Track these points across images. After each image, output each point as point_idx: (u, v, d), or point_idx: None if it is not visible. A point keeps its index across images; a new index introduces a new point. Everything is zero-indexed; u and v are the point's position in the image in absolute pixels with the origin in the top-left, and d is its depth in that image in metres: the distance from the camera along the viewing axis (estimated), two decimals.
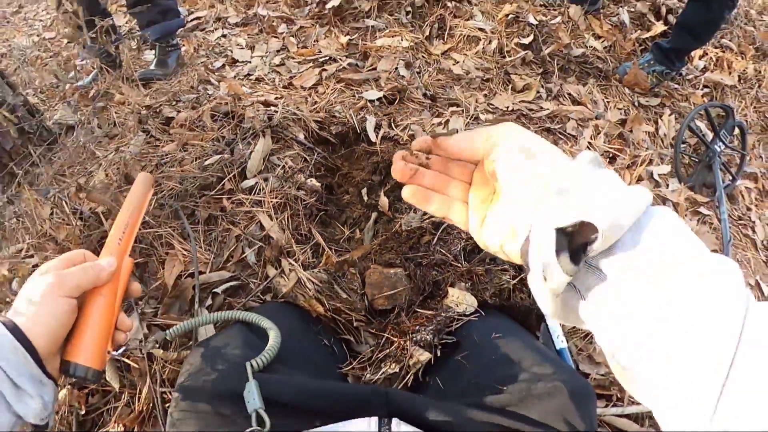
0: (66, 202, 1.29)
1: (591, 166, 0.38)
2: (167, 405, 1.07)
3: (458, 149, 0.47)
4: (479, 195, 0.48)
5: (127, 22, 2.12)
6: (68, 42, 2.04)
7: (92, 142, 1.47)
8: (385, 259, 1.08)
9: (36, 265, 1.26)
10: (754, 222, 1.76)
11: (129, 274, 0.62)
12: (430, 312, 0.89)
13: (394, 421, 0.60)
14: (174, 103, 1.52)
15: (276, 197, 1.24)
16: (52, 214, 1.29)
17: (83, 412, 1.10)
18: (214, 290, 1.15)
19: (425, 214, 1.17)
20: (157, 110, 1.49)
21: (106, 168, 1.33)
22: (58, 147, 1.53)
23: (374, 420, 0.59)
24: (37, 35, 2.19)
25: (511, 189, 0.42)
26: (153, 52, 1.84)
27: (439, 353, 0.83)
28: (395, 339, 0.89)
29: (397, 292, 0.98)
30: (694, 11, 1.85)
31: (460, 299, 0.89)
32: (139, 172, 1.34)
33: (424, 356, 0.83)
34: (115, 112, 1.52)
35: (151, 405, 1.07)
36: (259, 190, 1.26)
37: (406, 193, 0.50)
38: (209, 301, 1.15)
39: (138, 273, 1.23)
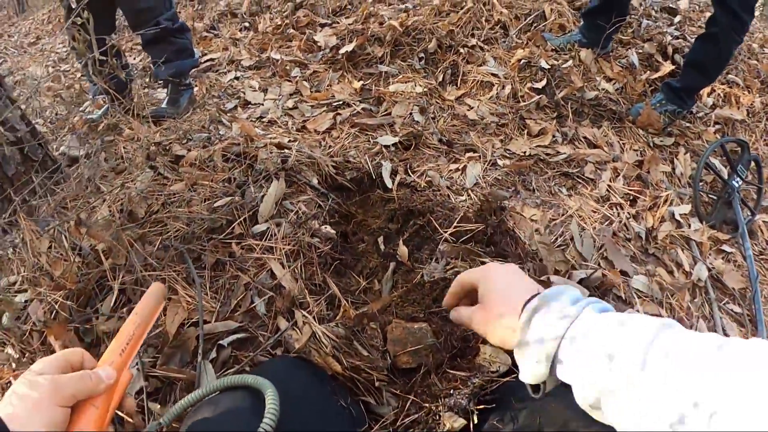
0: (66, 237, 1.22)
1: (528, 317, 0.57)
2: None
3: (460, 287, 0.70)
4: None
5: (141, 60, 2.11)
6: (82, 75, 2.02)
7: (97, 176, 1.41)
8: (408, 313, 1.00)
9: (28, 302, 1.18)
10: None
11: (125, 388, 0.59)
12: (463, 373, 0.81)
13: None
14: (184, 141, 1.47)
15: (288, 244, 1.18)
16: (50, 247, 1.22)
17: None
18: (219, 342, 1.06)
19: (448, 264, 1.11)
20: (167, 147, 1.45)
21: (110, 204, 1.26)
22: (62, 177, 1.46)
23: None
24: (52, 66, 2.17)
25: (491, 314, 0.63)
26: (165, 90, 1.82)
27: (476, 420, 0.75)
28: (425, 404, 0.80)
29: (422, 348, 0.91)
30: (702, 49, 1.88)
31: (493, 357, 0.82)
32: (143, 209, 1.28)
33: (459, 423, 0.74)
34: (123, 147, 1.47)
35: None
36: (271, 235, 1.20)
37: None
38: (213, 354, 1.05)
39: None
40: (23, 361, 1.12)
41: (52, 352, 1.12)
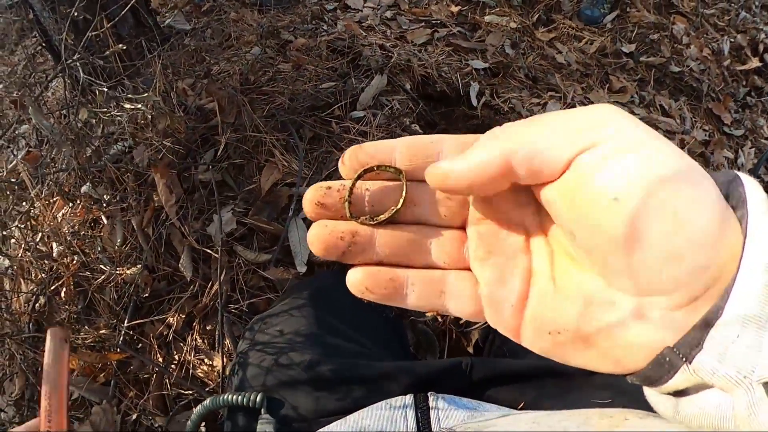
0: (172, 94, 1.33)
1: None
2: (231, 308, 1.08)
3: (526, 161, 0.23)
4: (494, 248, 0.27)
5: None
6: None
7: (204, 49, 1.52)
8: None
9: (131, 149, 1.28)
10: None
11: None
12: None
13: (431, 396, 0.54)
14: (291, 29, 1.56)
15: (381, 132, 1.27)
16: (153, 105, 1.33)
17: (146, 295, 1.11)
18: None
19: None
20: (275, 32, 1.53)
21: (222, 67, 1.36)
22: (169, 46, 1.57)
23: (409, 397, 0.53)
24: None
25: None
26: None
27: None
28: None
29: None
30: None
31: None
32: (254, 77, 1.37)
33: None
34: (232, 27, 1.57)
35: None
36: (367, 122, 1.29)
37: (356, 286, 0.28)
38: (302, 214, 1.18)
39: (233, 174, 1.27)
40: (113, 201, 1.23)
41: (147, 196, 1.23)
